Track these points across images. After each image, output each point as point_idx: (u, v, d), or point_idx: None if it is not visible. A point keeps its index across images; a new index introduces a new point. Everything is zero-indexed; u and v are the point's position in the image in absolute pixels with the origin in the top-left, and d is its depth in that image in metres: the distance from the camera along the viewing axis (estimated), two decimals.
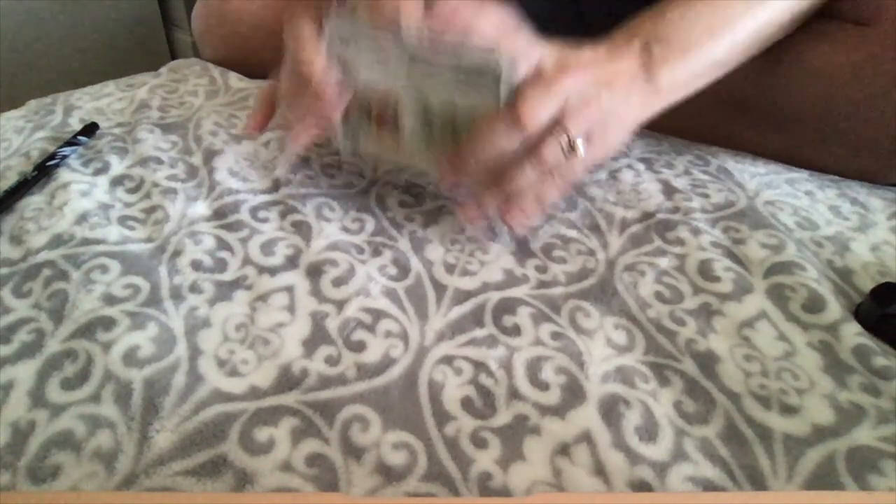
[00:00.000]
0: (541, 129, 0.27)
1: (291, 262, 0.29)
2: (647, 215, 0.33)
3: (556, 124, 0.27)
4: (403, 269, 0.29)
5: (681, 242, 0.31)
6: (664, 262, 0.30)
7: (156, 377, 0.23)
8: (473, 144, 0.27)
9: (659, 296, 0.28)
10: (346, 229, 0.32)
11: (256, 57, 0.46)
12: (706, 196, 0.34)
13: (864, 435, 0.22)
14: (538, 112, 0.26)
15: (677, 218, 0.33)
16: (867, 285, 0.29)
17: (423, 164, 0.30)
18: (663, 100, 0.32)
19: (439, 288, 0.28)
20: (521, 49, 0.27)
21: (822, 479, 0.21)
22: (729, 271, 0.29)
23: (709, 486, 0.21)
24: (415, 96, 0.28)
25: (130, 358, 0.24)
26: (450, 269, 0.30)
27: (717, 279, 0.29)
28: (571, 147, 0.27)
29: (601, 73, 0.28)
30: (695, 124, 0.41)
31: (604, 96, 0.28)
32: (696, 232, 0.31)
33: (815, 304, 0.27)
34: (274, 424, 0.22)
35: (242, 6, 0.46)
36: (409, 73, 0.27)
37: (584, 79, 0.27)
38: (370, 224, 0.32)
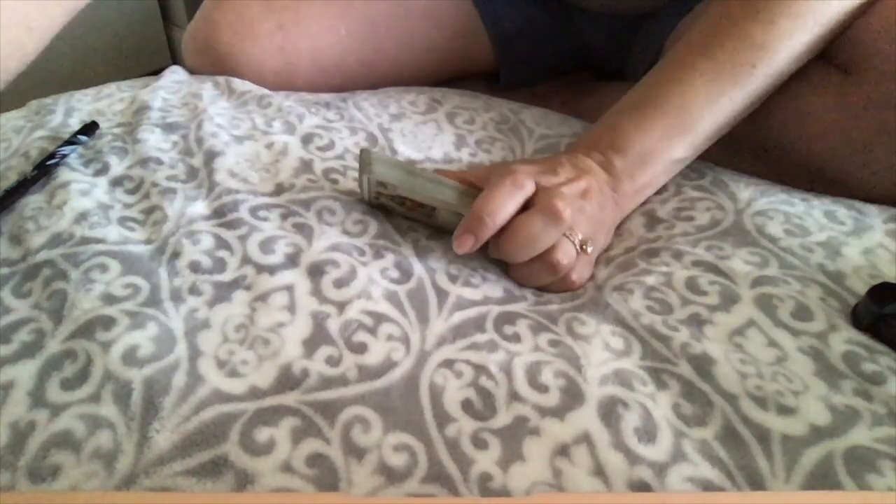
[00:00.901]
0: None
1: (292, 261, 0.29)
2: (629, 249, 0.33)
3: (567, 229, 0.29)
4: (405, 273, 0.30)
5: (666, 264, 0.31)
6: (651, 280, 0.30)
7: (156, 377, 0.23)
8: (516, 242, 0.29)
9: (650, 309, 0.28)
10: (347, 232, 0.32)
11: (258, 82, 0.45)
12: (690, 219, 0.34)
13: (862, 435, 0.23)
14: (567, 208, 0.28)
15: (660, 245, 0.32)
16: (859, 288, 0.29)
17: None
18: (631, 202, 0.34)
19: (441, 293, 0.29)
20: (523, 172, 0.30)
21: (821, 479, 0.21)
22: (714, 284, 0.29)
23: (708, 487, 0.21)
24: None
25: (130, 358, 0.24)
26: (452, 278, 0.30)
27: (703, 293, 0.29)
28: (583, 247, 0.30)
29: (577, 188, 0.31)
30: (705, 158, 0.40)
31: (586, 206, 0.30)
32: (679, 255, 0.31)
33: (802, 313, 0.27)
34: (274, 425, 0.22)
35: (248, 55, 0.44)
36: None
37: (571, 191, 0.30)
38: (373, 227, 0.32)
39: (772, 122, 0.37)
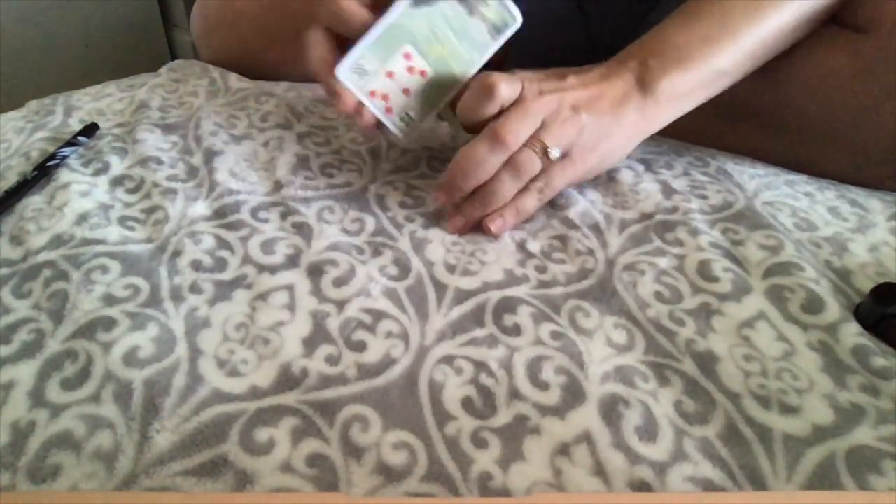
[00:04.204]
0: (519, 146, 0.30)
1: (292, 262, 0.29)
2: (645, 216, 0.33)
3: (532, 137, 0.29)
4: (404, 269, 0.29)
5: (680, 243, 0.31)
6: (663, 262, 0.30)
7: (156, 377, 0.23)
8: (460, 167, 0.30)
9: (658, 296, 0.28)
10: (346, 231, 0.32)
11: (255, 57, 0.46)
12: (705, 197, 0.34)
13: (864, 435, 0.22)
14: (518, 130, 0.29)
15: (676, 218, 0.33)
16: (865, 285, 0.29)
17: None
18: (666, 111, 0.33)
19: (440, 288, 0.28)
20: (506, 79, 0.30)
21: (822, 479, 0.21)
22: (728, 272, 0.29)
23: (709, 487, 0.21)
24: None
25: (131, 358, 0.24)
26: (450, 269, 0.30)
27: (716, 279, 0.29)
28: (545, 153, 0.30)
29: (584, 94, 0.30)
30: (694, 129, 0.41)
31: (584, 117, 0.30)
32: (694, 233, 0.31)
33: (813, 305, 0.27)
34: (274, 424, 0.22)
35: (241, 7, 0.46)
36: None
37: (562, 101, 0.30)
38: (370, 224, 0.32)
39: (788, 86, 0.37)
